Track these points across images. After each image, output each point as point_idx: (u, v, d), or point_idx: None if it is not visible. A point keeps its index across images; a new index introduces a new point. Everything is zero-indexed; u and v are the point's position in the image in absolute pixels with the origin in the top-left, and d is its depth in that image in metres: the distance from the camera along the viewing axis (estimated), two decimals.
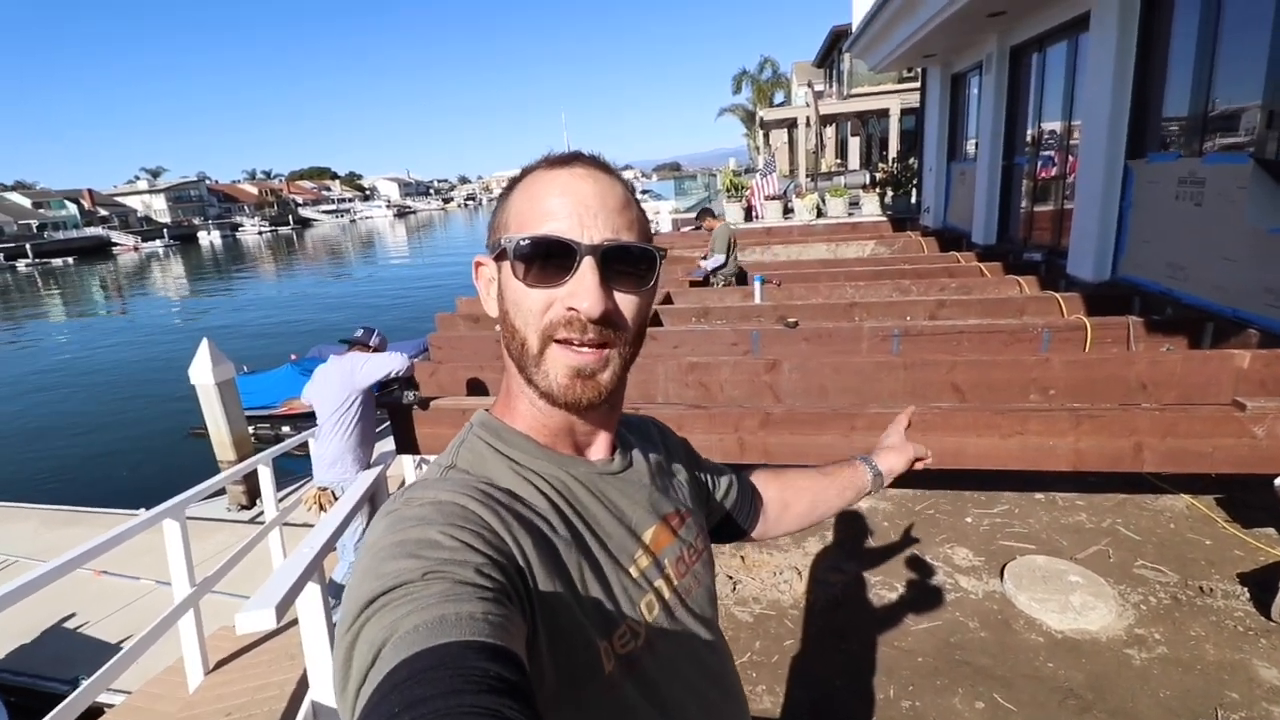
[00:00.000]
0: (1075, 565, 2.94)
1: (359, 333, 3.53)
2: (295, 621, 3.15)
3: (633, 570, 0.60)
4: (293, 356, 11.13)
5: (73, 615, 4.80)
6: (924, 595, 2.88)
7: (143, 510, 6.04)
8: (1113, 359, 3.56)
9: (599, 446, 0.65)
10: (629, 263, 0.58)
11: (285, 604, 1.54)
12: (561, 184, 0.57)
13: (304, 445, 5.07)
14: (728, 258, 6.15)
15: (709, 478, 0.86)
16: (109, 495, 7.59)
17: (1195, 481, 3.46)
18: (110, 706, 3.25)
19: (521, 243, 0.55)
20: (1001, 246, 7.37)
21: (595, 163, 0.60)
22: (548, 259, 0.55)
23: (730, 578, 3.10)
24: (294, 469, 6.79)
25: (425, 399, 3.60)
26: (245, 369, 10.17)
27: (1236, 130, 4.02)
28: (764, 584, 3.06)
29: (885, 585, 2.98)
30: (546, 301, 0.56)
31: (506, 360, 0.62)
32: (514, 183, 0.61)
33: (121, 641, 4.45)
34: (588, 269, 0.55)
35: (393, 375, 3.30)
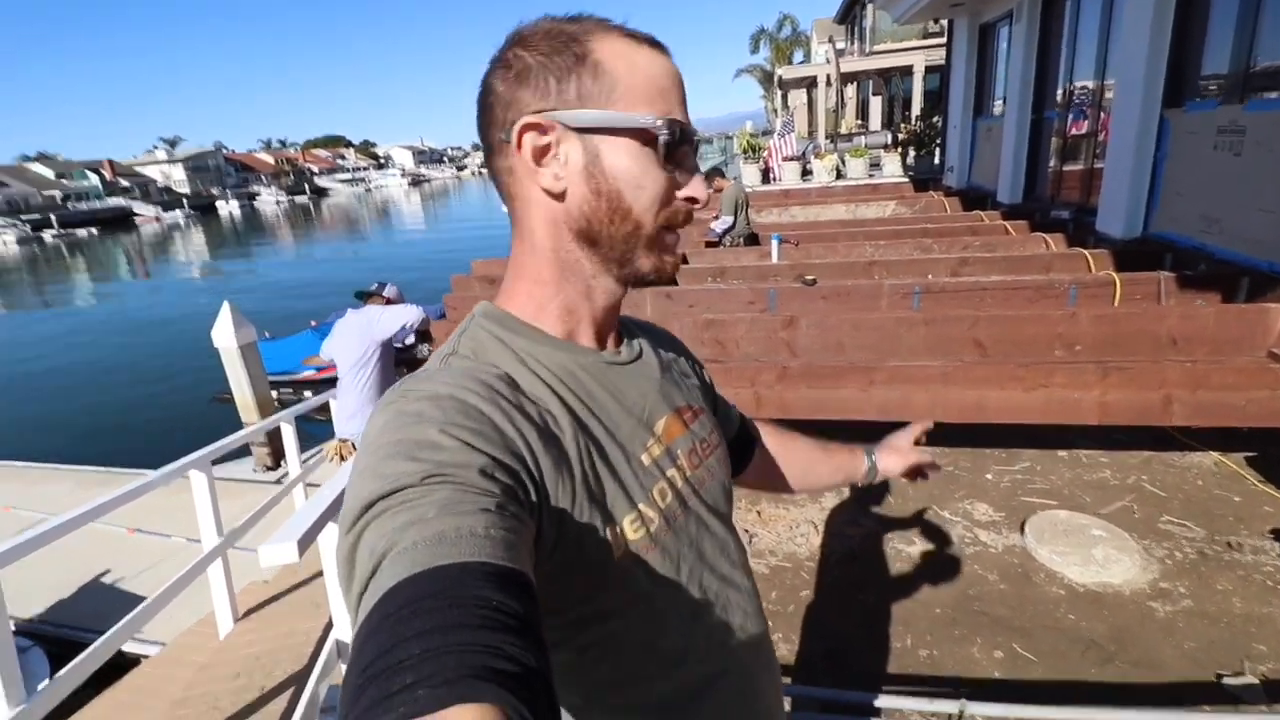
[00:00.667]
0: (1098, 520, 2.90)
1: (374, 285, 3.52)
2: (319, 574, 3.25)
3: (644, 458, 0.59)
4: (313, 323, 11.22)
5: (108, 571, 4.97)
6: (942, 549, 2.87)
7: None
8: (1142, 313, 3.46)
9: (597, 338, 0.63)
10: None
11: (307, 539, 1.56)
12: (663, 65, 0.56)
13: (326, 409, 5.14)
14: (736, 218, 6.04)
15: (718, 399, 0.85)
16: (138, 457, 7.78)
17: (1224, 439, 3.38)
18: (147, 658, 3.38)
19: (658, 124, 0.54)
20: (1028, 205, 7.16)
21: (667, 48, 0.58)
22: (680, 145, 0.55)
23: (746, 531, 3.11)
24: (317, 432, 6.91)
25: None
26: (267, 335, 10.28)
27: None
28: (780, 537, 3.06)
29: (902, 539, 2.97)
30: (671, 186, 0.56)
31: (550, 247, 0.57)
32: (582, 41, 0.53)
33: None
34: (696, 161, 0.58)
35: (409, 327, 3.30)
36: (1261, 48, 3.91)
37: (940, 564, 2.77)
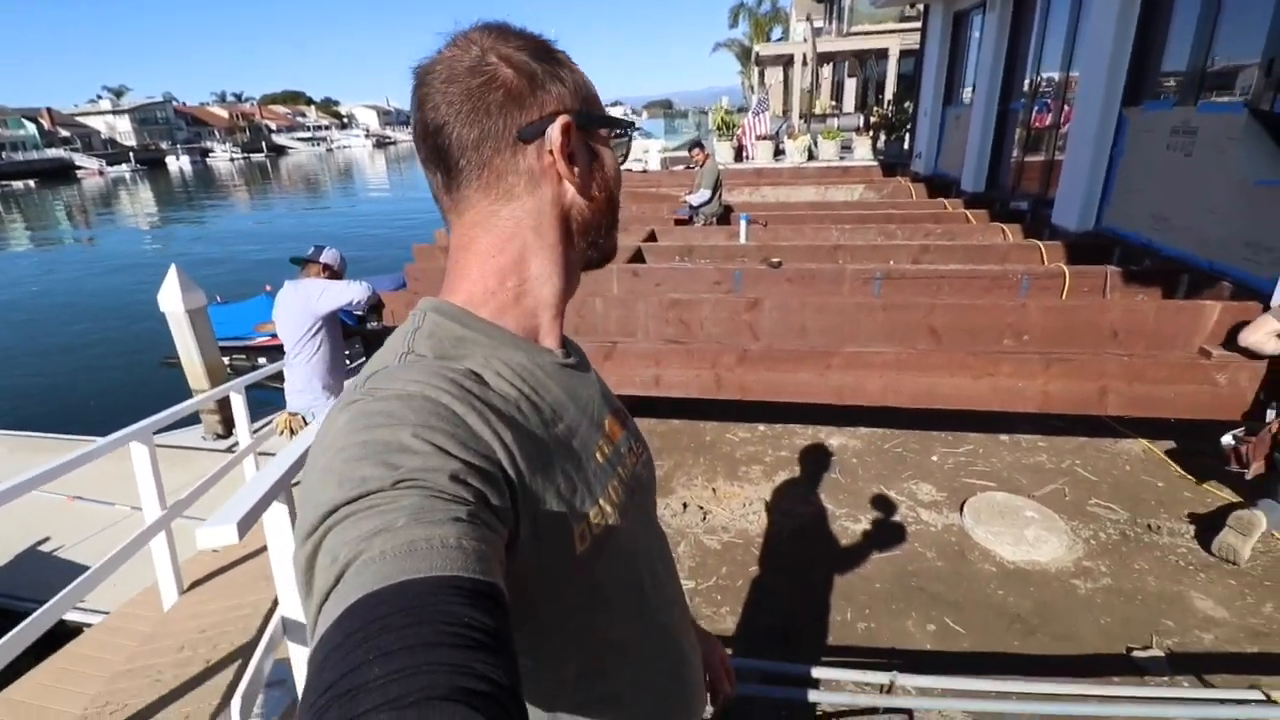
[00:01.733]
0: (1031, 502, 3.05)
1: (310, 250, 3.29)
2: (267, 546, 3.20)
3: (599, 456, 0.61)
4: (267, 287, 10.84)
5: (47, 539, 4.81)
6: (886, 527, 2.98)
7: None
8: (1088, 306, 3.60)
9: (555, 339, 0.64)
10: None
11: (249, 520, 1.53)
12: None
13: (280, 376, 5.01)
14: (713, 195, 6.02)
15: None
16: (78, 423, 7.49)
17: (1154, 427, 3.56)
18: (89, 626, 3.30)
19: (630, 123, 0.63)
20: (990, 194, 7.30)
21: None
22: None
23: (701, 508, 3.17)
24: (271, 399, 6.73)
25: (390, 327, 3.54)
26: (219, 299, 9.91)
27: (1233, 88, 3.95)
28: (733, 514, 3.14)
29: (849, 517, 3.07)
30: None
31: (533, 237, 0.58)
32: (551, 52, 0.59)
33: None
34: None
35: (356, 304, 3.20)
36: (1218, 50, 4.04)
37: (883, 541, 2.88)
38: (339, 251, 3.37)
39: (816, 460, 3.57)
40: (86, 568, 4.47)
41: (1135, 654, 2.17)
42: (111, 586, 3.21)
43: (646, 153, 18.70)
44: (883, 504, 3.15)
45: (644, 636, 0.64)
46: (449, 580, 0.35)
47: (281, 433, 3.21)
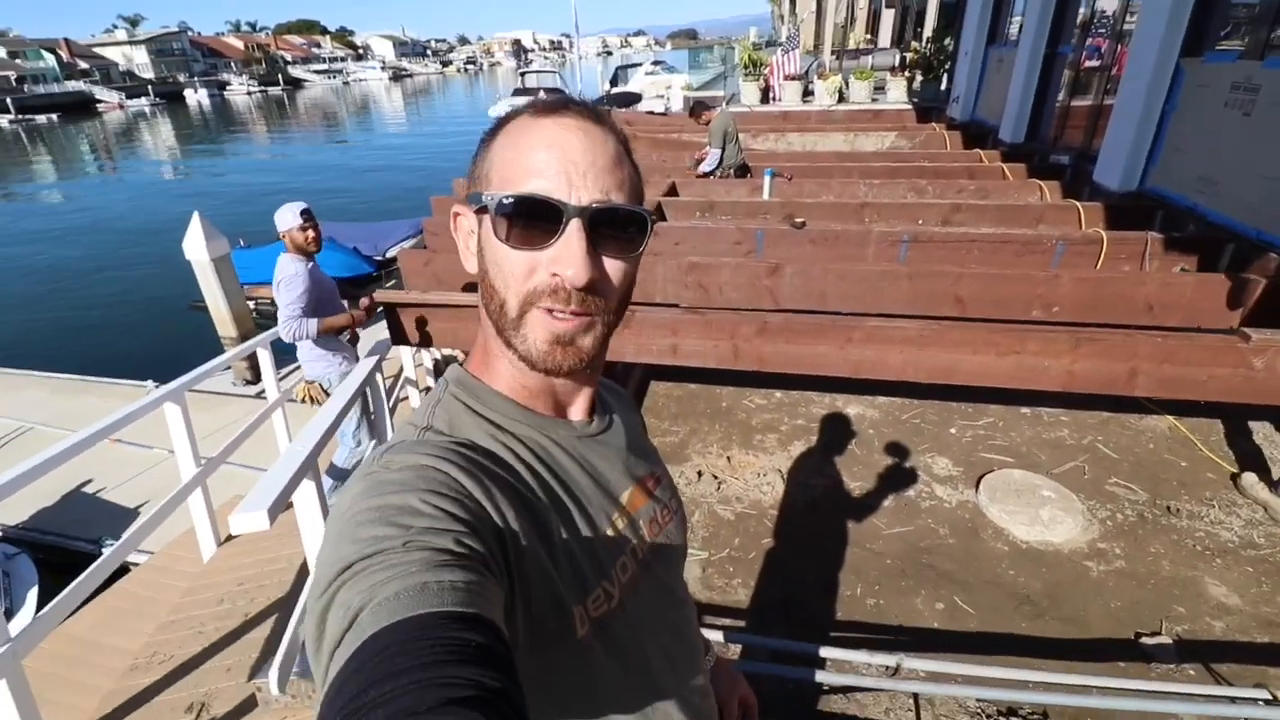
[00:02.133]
0: (1050, 480, 3.03)
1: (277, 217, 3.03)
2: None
3: (609, 532, 0.60)
4: None
5: (90, 481, 5.05)
6: (900, 502, 3.00)
7: (150, 382, 6.21)
8: (1123, 278, 3.46)
9: (579, 407, 0.63)
10: (618, 226, 0.53)
11: (278, 505, 1.59)
12: (549, 136, 0.53)
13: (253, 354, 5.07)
14: (725, 150, 5.82)
15: None
16: (113, 364, 7.73)
17: (1185, 405, 3.49)
18: (135, 565, 3.50)
19: (504, 200, 0.52)
20: (1029, 146, 6.95)
21: (587, 112, 0.55)
22: (532, 219, 0.52)
23: (715, 477, 3.21)
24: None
25: (395, 306, 3.44)
26: (241, 243, 9.97)
27: None
28: (747, 484, 3.18)
29: (863, 490, 3.10)
30: (530, 265, 0.53)
31: (483, 318, 0.59)
32: (497, 128, 0.57)
33: (139, 507, 4.72)
34: (574, 233, 0.51)
35: (286, 320, 2.99)
36: None
37: (896, 516, 2.91)
38: (295, 207, 3.03)
39: (833, 430, 3.57)
40: (128, 509, 4.74)
41: (1144, 640, 2.20)
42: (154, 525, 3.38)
43: (669, 88, 17.90)
44: (897, 477, 3.16)
45: (654, 713, 0.63)
46: (458, 614, 0.37)
47: (303, 400, 3.27)
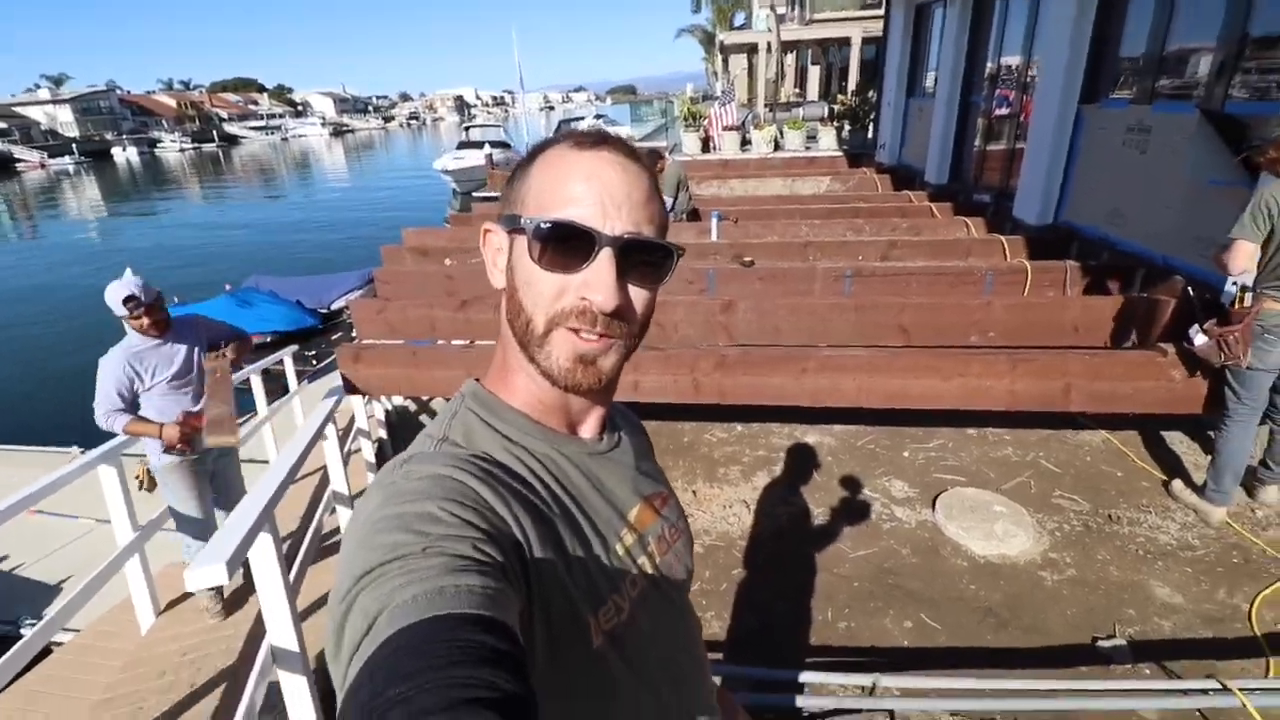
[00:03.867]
0: (1000, 496, 3.17)
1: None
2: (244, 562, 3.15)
3: (618, 548, 0.62)
4: (227, 287, 10.55)
5: (6, 557, 4.64)
6: (862, 525, 3.07)
7: (74, 447, 5.79)
8: (1049, 303, 3.73)
9: (590, 425, 0.65)
10: (647, 257, 0.57)
11: (237, 558, 1.52)
12: (588, 168, 0.56)
13: (246, 381, 4.88)
14: (678, 198, 6.04)
15: None
16: (34, 432, 7.20)
17: (1113, 418, 3.72)
18: (58, 645, 3.21)
19: (542, 225, 0.55)
20: (952, 186, 7.47)
21: (624, 148, 0.59)
22: (566, 244, 0.55)
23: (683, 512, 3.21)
24: (244, 405, 6.56)
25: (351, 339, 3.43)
26: (176, 300, 9.60)
27: (1187, 89, 4.10)
28: (714, 517, 3.19)
29: (827, 516, 3.15)
30: (560, 287, 0.56)
31: (505, 332, 0.61)
32: (534, 154, 0.60)
33: (61, 582, 4.34)
34: (606, 260, 0.54)
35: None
36: (1171, 50, 4.18)
37: (860, 540, 2.97)
38: (119, 292, 2.60)
39: (793, 459, 3.64)
40: (50, 585, 4.35)
41: (1100, 644, 2.29)
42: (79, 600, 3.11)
43: None
44: (858, 502, 3.24)
45: None
46: (474, 616, 0.39)
47: (136, 479, 2.93)
